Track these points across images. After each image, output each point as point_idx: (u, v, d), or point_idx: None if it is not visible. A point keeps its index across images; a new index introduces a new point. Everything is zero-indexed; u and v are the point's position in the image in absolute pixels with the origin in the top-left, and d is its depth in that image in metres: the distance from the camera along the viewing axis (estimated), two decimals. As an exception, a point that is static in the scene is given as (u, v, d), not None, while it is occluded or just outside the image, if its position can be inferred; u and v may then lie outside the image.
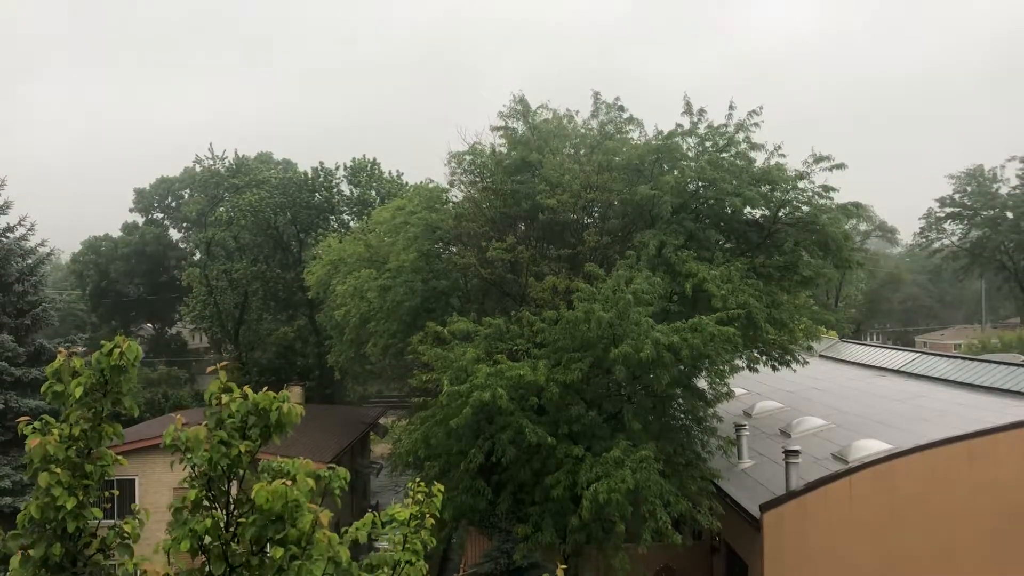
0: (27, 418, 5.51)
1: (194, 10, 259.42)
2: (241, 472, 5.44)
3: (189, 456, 5.40)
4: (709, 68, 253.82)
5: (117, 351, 5.32)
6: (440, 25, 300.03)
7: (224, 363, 5.90)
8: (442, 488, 6.98)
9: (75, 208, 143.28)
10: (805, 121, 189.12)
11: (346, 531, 6.07)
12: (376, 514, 6.61)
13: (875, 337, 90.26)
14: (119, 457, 5.59)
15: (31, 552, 5.20)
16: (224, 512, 5.44)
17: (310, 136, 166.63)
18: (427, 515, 6.73)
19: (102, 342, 5.48)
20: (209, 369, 5.69)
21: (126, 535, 5.46)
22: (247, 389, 5.57)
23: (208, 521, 5.23)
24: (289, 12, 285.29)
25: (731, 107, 22.67)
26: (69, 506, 5.11)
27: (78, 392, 5.25)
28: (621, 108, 25.00)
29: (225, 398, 5.47)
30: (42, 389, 5.53)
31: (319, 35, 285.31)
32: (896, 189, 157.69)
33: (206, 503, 5.45)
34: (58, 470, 5.15)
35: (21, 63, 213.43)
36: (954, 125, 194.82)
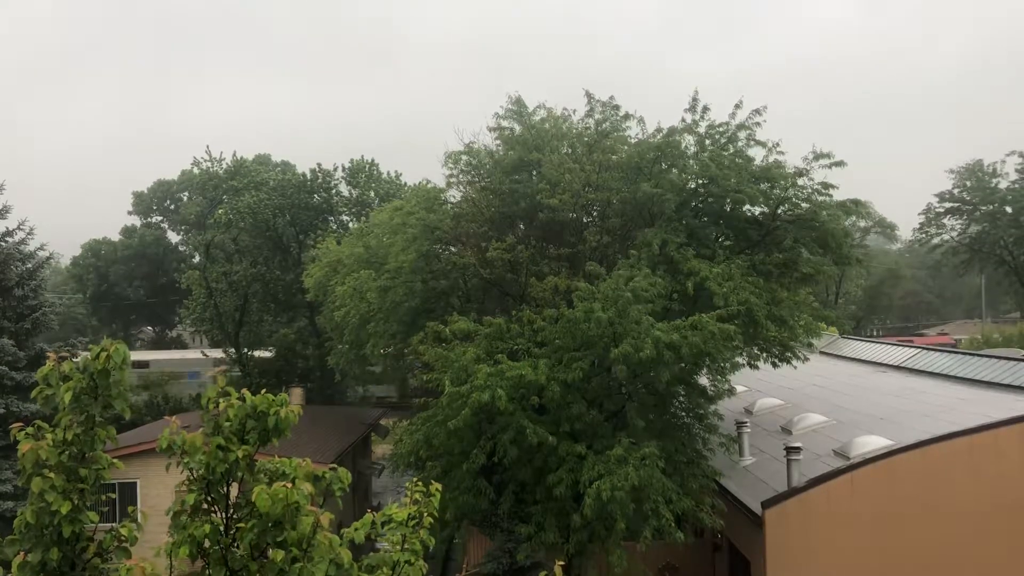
0: (20, 424, 5.50)
1: (196, 16, 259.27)
2: (240, 475, 5.42)
3: (186, 460, 5.38)
4: (750, 65, 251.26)
5: (104, 354, 5.30)
6: (477, 24, 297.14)
7: (222, 367, 5.89)
8: (440, 487, 6.94)
9: (74, 212, 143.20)
10: (839, 119, 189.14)
11: (345, 532, 6.04)
12: (375, 514, 6.58)
13: (876, 333, 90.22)
14: (115, 460, 5.57)
15: (28, 557, 5.18)
16: (223, 516, 5.41)
17: (318, 138, 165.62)
18: (425, 515, 6.70)
19: (90, 345, 5.46)
20: (208, 373, 5.67)
21: (123, 538, 5.44)
22: (245, 392, 5.54)
23: (207, 527, 5.21)
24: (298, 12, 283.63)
25: (737, 106, 22.69)
26: (64, 511, 5.09)
27: (68, 397, 5.24)
28: (616, 107, 25.01)
29: (223, 403, 5.44)
30: (32, 393, 5.51)
31: (335, 33, 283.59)
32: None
33: (205, 506, 5.43)
34: (51, 475, 5.13)
35: (20, 65, 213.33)
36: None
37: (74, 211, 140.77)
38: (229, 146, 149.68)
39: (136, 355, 69.12)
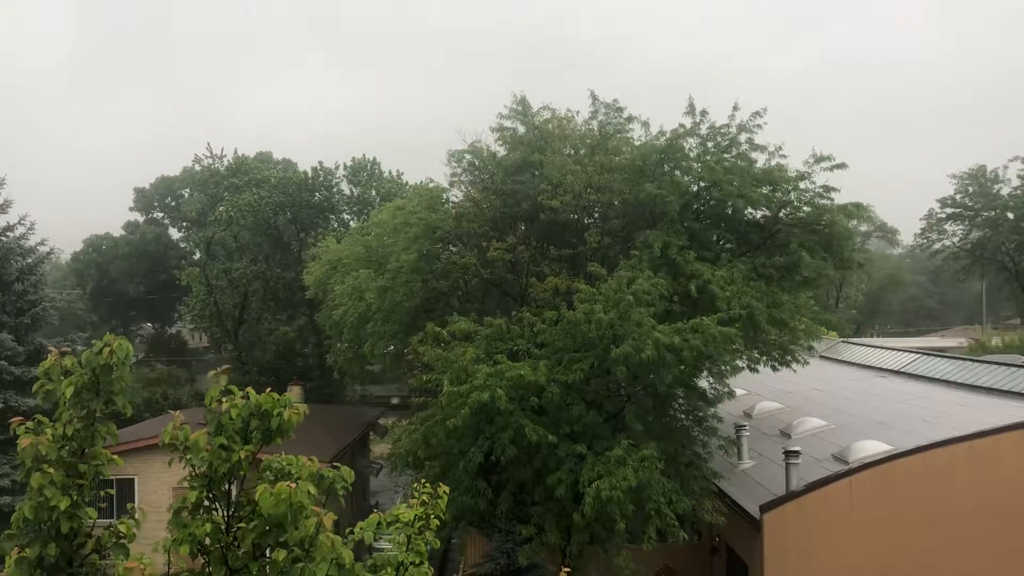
0: (20, 418, 5.47)
1: (198, 15, 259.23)
2: (242, 474, 5.39)
3: (188, 457, 5.36)
4: (801, 66, 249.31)
5: (107, 350, 5.28)
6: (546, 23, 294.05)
7: (225, 367, 5.86)
8: (447, 490, 6.92)
9: (76, 207, 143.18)
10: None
11: (350, 531, 6.01)
12: (380, 515, 6.56)
13: (877, 336, 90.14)
14: (114, 456, 5.54)
15: (26, 552, 5.16)
16: (225, 514, 5.39)
17: (324, 138, 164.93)
18: (432, 516, 6.68)
19: (92, 341, 5.44)
20: (211, 373, 5.63)
21: (121, 535, 5.42)
22: (249, 391, 5.51)
23: (208, 525, 5.18)
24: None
25: (735, 107, 22.66)
26: (63, 507, 5.07)
27: (69, 392, 5.21)
28: (620, 109, 24.97)
29: (226, 403, 5.41)
30: (33, 388, 5.49)
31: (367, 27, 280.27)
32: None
33: (206, 503, 5.40)
34: (51, 470, 5.11)
35: (21, 66, 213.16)
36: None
37: (76, 208, 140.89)
38: (231, 145, 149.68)
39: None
